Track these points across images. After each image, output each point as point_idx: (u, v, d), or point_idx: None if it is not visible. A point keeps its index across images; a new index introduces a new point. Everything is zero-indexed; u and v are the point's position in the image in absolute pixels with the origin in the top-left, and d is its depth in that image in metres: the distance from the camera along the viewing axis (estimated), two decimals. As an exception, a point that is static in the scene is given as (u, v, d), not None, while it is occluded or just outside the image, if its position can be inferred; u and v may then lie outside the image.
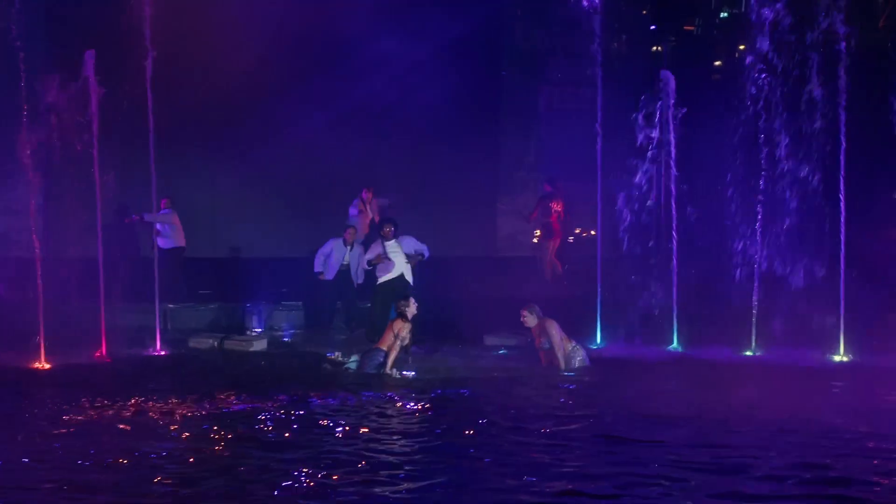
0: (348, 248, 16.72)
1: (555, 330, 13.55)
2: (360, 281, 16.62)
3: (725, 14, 22.87)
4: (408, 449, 8.81)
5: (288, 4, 20.43)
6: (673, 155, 15.96)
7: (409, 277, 15.53)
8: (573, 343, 13.69)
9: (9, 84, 13.89)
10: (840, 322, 14.56)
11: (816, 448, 8.85)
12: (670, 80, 16.00)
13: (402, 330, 13.15)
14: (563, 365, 13.40)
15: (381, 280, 15.57)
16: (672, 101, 16.08)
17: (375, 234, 17.29)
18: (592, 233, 19.45)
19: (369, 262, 15.68)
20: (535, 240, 20.31)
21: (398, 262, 15.40)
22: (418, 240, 15.70)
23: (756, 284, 15.05)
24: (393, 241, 15.40)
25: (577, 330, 14.56)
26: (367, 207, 18.61)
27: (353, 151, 20.93)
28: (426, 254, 15.65)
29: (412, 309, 13.43)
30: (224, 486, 7.52)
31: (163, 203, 17.64)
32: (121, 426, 9.68)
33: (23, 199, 14.05)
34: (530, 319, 13.73)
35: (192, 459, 8.31)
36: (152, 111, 14.61)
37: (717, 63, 22.70)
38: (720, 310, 15.62)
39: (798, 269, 15.31)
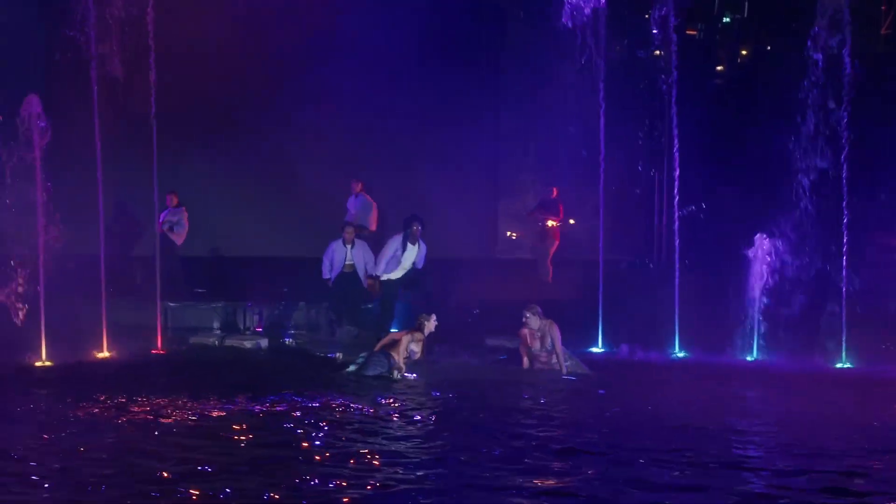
0: (349, 246, 16.52)
1: (557, 333, 13.49)
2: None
3: (728, 19, 22.88)
4: (405, 450, 8.73)
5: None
6: (676, 158, 15.98)
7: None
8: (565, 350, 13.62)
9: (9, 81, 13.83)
10: (843, 330, 14.63)
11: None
12: (673, 83, 16.06)
13: (414, 338, 13.10)
14: (565, 370, 13.34)
15: (386, 277, 15.47)
16: (674, 105, 16.14)
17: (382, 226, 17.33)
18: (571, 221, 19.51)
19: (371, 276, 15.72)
20: (511, 235, 20.22)
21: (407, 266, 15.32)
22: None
23: (760, 291, 15.09)
24: (417, 245, 15.27)
25: (578, 334, 14.58)
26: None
27: (350, 151, 20.85)
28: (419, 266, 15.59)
29: (431, 325, 13.31)
30: (221, 484, 7.45)
31: (169, 199, 17.68)
32: (119, 424, 9.62)
33: (25, 196, 13.96)
34: (533, 321, 13.61)
35: (190, 458, 8.23)
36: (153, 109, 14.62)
37: (720, 68, 22.72)
38: (722, 315, 15.59)
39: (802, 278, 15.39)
